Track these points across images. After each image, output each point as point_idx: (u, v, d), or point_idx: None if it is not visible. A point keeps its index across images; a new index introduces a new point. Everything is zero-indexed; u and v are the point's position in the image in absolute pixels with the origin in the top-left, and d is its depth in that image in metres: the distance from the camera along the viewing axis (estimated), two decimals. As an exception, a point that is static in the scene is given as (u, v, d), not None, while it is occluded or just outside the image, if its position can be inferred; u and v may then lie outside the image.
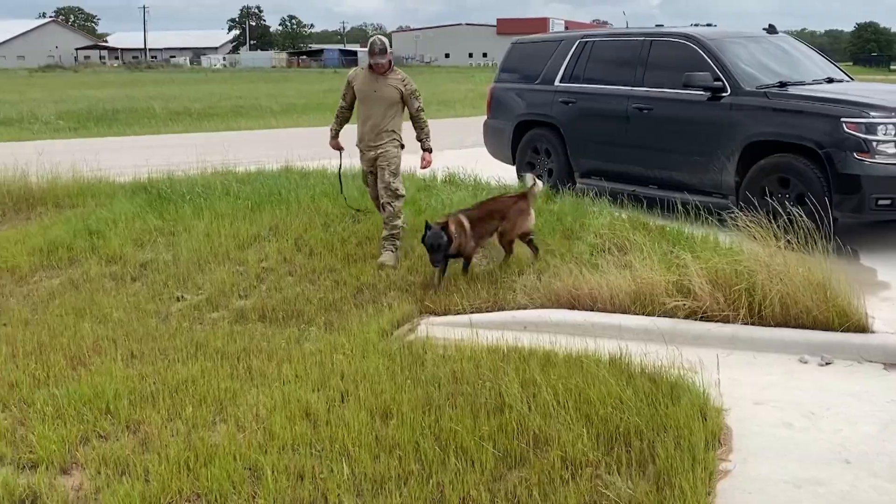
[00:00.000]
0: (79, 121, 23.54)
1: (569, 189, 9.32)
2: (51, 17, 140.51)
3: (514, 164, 10.58)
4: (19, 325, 6.08)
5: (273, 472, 3.65)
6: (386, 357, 5.06)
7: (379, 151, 7.24)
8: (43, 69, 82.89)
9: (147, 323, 6.08)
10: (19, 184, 10.12)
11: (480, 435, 3.91)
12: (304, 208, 8.39)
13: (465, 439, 3.87)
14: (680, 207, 7.48)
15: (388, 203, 7.20)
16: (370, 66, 7.25)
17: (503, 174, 10.34)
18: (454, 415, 4.13)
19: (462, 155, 12.14)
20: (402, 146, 7.40)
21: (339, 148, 7.70)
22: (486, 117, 11.20)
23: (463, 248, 6.57)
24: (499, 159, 10.94)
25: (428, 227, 6.41)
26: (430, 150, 7.43)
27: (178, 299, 6.64)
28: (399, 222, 7.23)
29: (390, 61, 7.23)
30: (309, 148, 11.78)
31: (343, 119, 7.61)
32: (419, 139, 7.41)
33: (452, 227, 6.45)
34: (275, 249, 7.43)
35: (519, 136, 10.43)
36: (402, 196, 7.30)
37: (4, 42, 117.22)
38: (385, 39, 7.26)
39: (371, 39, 7.27)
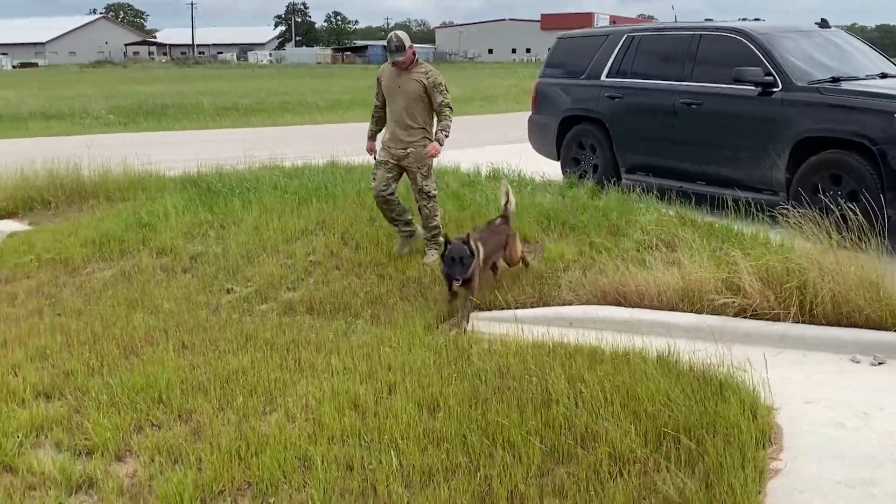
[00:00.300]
0: (129, 115, 23.90)
1: (614, 185, 9.25)
2: (101, 13, 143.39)
3: (558, 159, 10.53)
4: (73, 315, 6.22)
5: (323, 462, 3.70)
6: (432, 351, 5.08)
7: (409, 150, 7.03)
8: (93, 65, 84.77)
9: (197, 314, 6.17)
10: (72, 177, 10.35)
11: (527, 429, 3.91)
12: (349, 203, 8.45)
13: (512, 433, 3.88)
14: (730, 204, 7.38)
15: (424, 205, 7.13)
16: (393, 63, 7.06)
17: (547, 169, 10.30)
18: (501, 409, 4.14)
19: (506, 150, 12.14)
20: None
21: (373, 151, 7.48)
22: (530, 112, 11.15)
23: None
24: (543, 155, 10.87)
25: (448, 241, 6.02)
26: (440, 141, 6.99)
27: (227, 291, 6.73)
28: (437, 221, 7.17)
29: (414, 54, 7.01)
30: (354, 144, 11.76)
31: (379, 118, 7.35)
32: (435, 131, 7.07)
33: (473, 244, 6.02)
34: (322, 243, 7.49)
35: (564, 132, 10.36)
36: (435, 195, 7.17)
37: (56, 38, 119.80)
38: (402, 35, 6.94)
39: (388, 37, 7.01)
